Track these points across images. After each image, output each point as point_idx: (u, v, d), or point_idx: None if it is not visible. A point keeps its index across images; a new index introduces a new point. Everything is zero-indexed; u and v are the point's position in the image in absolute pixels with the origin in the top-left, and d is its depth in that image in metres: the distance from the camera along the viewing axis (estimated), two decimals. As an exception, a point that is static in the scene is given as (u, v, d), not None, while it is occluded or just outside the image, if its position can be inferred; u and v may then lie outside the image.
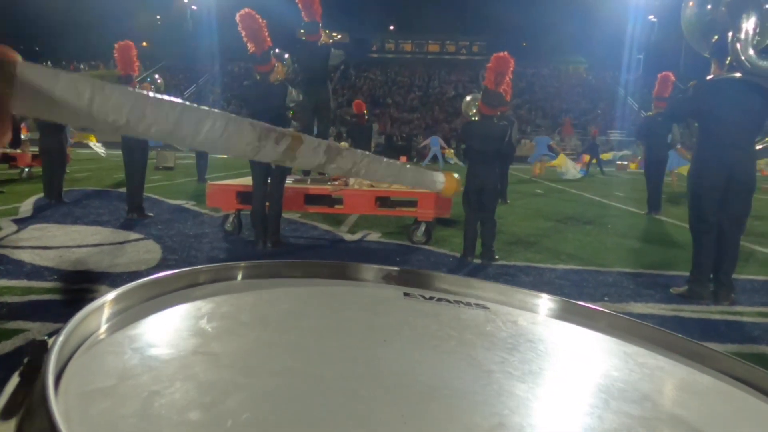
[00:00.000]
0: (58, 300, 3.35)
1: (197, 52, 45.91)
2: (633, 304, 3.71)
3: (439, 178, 0.89)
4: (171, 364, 0.59)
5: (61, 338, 0.55)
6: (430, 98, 43.82)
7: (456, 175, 0.92)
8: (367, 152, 0.72)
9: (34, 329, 2.77)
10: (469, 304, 0.97)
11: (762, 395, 0.73)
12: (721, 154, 3.68)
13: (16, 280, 3.67)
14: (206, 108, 0.54)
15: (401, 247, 5.42)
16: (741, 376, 0.77)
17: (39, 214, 6.54)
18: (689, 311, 3.62)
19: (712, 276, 3.85)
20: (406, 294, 1.01)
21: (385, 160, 0.76)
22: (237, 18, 4.78)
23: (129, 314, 0.73)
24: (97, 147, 15.24)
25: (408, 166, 0.81)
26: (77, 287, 3.67)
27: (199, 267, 0.93)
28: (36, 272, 3.88)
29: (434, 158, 23.75)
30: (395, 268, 1.10)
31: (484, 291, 1.06)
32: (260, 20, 4.82)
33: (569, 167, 16.27)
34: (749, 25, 3.51)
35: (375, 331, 0.81)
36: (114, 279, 3.81)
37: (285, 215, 5.88)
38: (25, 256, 4.35)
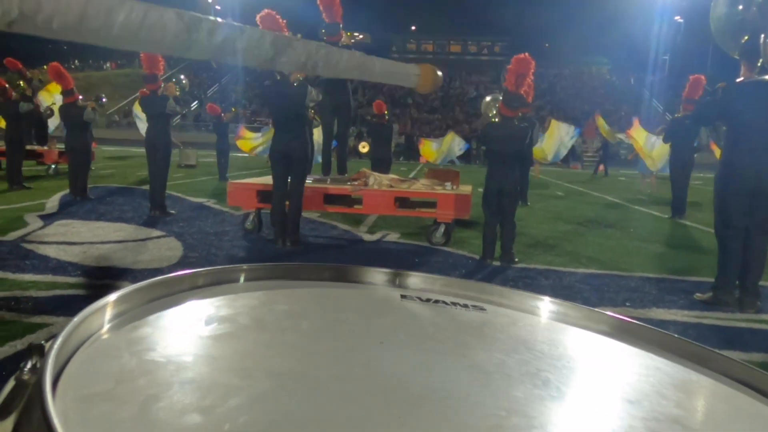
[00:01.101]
0: (82, 295, 3.41)
1: (220, 52, 46.34)
2: (655, 309, 3.65)
3: (413, 70, 0.83)
4: (169, 367, 0.59)
5: (59, 341, 0.55)
6: (450, 99, 43.69)
7: (433, 67, 0.86)
8: (324, 44, 0.66)
9: (58, 324, 2.82)
10: (466, 306, 0.97)
11: (761, 396, 0.72)
12: (749, 158, 3.60)
13: (41, 274, 3.74)
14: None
15: (420, 248, 5.40)
16: (740, 378, 0.77)
17: (64, 210, 6.67)
18: (713, 318, 3.55)
19: (737, 283, 3.77)
20: (403, 296, 1.01)
21: (346, 51, 0.70)
22: (257, 19, 4.82)
23: (128, 317, 0.73)
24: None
25: (376, 58, 0.75)
26: (100, 283, 3.73)
27: (199, 270, 0.94)
28: (61, 267, 3.95)
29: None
30: (393, 270, 1.10)
31: (481, 293, 1.06)
32: (280, 21, 4.85)
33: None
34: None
35: (372, 333, 0.81)
36: (136, 275, 3.86)
37: (304, 214, 5.91)
38: (51, 251, 4.44)
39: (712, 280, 3.91)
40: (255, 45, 0.57)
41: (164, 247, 4.87)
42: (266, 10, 4.86)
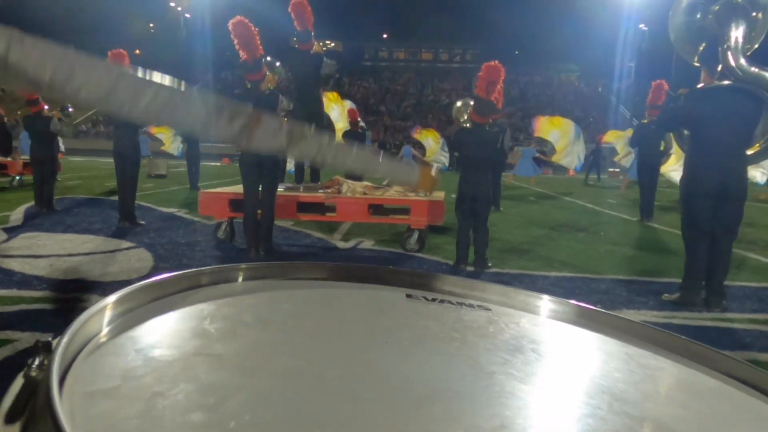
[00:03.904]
0: (49, 309, 3.31)
1: (191, 60, 45.89)
2: (626, 311, 3.72)
3: (414, 173, 0.86)
4: (173, 366, 0.59)
5: (65, 339, 0.55)
6: (423, 106, 43.99)
7: (434, 171, 0.89)
8: (336, 141, 0.69)
9: (24, 339, 2.74)
10: (471, 306, 0.97)
11: (763, 396, 0.73)
12: (714, 161, 3.70)
13: (5, 289, 3.63)
14: (151, 78, 0.49)
15: (394, 254, 5.41)
16: (742, 377, 0.77)
17: (29, 223, 6.49)
18: (681, 318, 3.63)
19: (704, 283, 3.87)
20: (408, 295, 1.00)
21: (355, 149, 0.72)
22: (230, 26, 4.78)
23: (131, 316, 0.73)
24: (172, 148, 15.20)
25: (381, 157, 0.78)
26: (68, 297, 3.64)
27: (200, 269, 0.93)
28: (26, 281, 3.84)
29: None
30: (398, 269, 1.10)
31: (486, 292, 1.06)
32: (253, 28, 4.82)
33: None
34: (738, 33, 3.55)
35: (377, 332, 0.81)
36: (105, 288, 3.78)
37: (278, 223, 5.86)
38: (15, 265, 4.31)
39: (680, 281, 4.00)
40: (272, 134, 0.59)
41: (134, 258, 4.78)
42: (238, 17, 4.82)
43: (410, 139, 22.34)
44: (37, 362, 0.52)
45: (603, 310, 0.98)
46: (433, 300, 0.99)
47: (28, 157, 8.78)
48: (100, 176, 14.35)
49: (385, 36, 60.61)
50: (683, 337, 0.87)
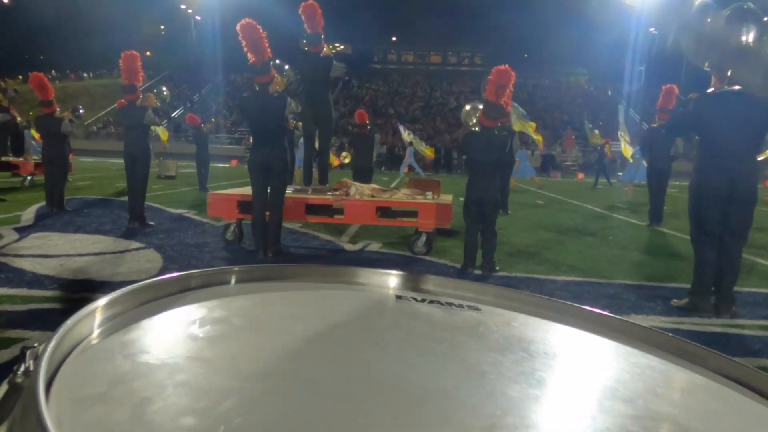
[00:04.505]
0: (59, 309, 3.34)
1: (201, 62, 46.15)
2: (634, 316, 3.70)
3: None
4: (163, 370, 0.58)
5: (52, 344, 0.54)
6: (431, 109, 43.95)
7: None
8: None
9: (34, 338, 2.76)
10: (461, 306, 0.97)
11: (753, 393, 0.73)
12: (722, 166, 3.68)
13: (16, 288, 3.67)
14: None
15: (402, 257, 5.41)
16: (732, 375, 0.78)
17: (40, 223, 6.56)
18: (690, 324, 3.61)
19: (713, 288, 3.84)
20: (398, 296, 1.00)
21: None
22: (238, 28, 4.80)
23: (121, 319, 0.73)
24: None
25: None
26: (78, 296, 3.67)
27: (191, 272, 0.93)
28: (37, 281, 3.88)
29: (410, 167, 23.90)
30: (387, 271, 1.10)
31: (476, 293, 1.06)
32: (261, 31, 4.84)
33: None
34: (749, 38, 3.53)
35: (367, 333, 0.81)
36: (114, 288, 3.79)
37: (286, 225, 5.88)
38: (26, 264, 4.35)
39: (689, 286, 3.98)
40: None
41: (143, 259, 4.81)
42: (246, 20, 4.84)
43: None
44: (23, 368, 0.51)
45: (592, 309, 0.98)
46: (423, 301, 0.98)
47: (39, 158, 8.87)
48: (110, 177, 14.45)
49: (394, 39, 60.67)
50: (673, 336, 0.88)
